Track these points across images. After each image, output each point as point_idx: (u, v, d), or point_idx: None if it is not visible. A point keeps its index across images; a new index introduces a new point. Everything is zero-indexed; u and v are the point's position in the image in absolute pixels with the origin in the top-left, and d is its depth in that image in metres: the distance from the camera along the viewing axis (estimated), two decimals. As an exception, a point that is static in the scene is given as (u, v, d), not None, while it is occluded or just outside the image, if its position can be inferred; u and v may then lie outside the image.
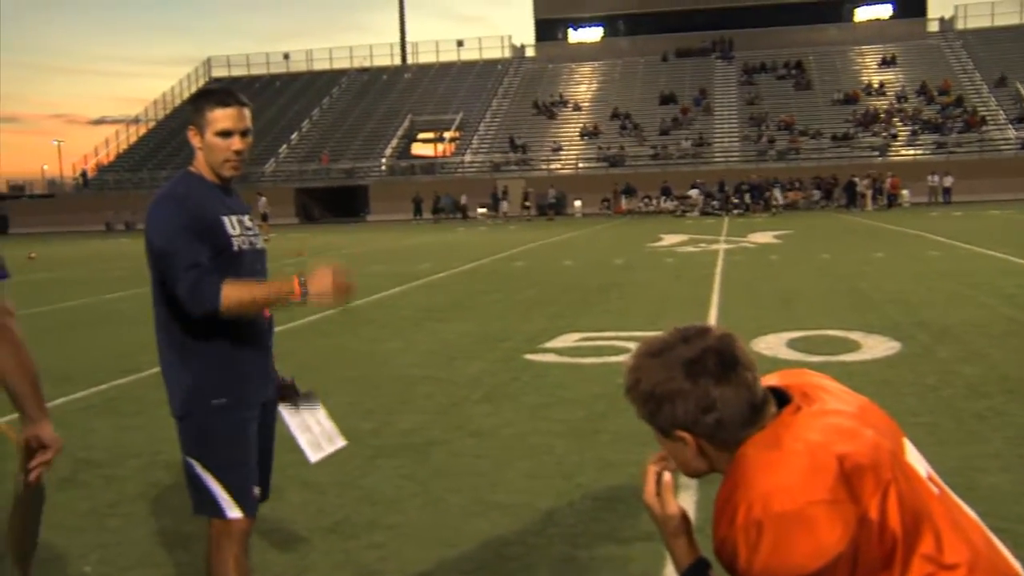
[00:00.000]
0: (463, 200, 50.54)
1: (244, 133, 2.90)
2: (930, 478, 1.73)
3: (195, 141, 2.93)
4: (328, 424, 3.24)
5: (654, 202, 46.47)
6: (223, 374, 2.87)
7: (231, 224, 2.90)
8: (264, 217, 35.84)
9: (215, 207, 2.88)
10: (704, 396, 1.67)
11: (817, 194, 45.06)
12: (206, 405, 2.84)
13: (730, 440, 1.69)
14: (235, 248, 2.88)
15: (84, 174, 61.70)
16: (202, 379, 2.86)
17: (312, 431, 3.19)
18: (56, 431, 2.43)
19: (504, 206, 47.31)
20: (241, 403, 2.89)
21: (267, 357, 3.04)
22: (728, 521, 1.58)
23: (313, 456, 3.17)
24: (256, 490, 2.95)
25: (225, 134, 2.87)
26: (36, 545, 2.67)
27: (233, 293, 2.75)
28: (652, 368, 1.73)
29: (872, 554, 1.56)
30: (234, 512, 2.85)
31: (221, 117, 2.87)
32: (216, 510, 2.85)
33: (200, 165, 2.95)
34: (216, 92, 2.96)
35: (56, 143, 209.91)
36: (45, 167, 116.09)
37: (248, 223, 3.00)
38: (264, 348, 3.02)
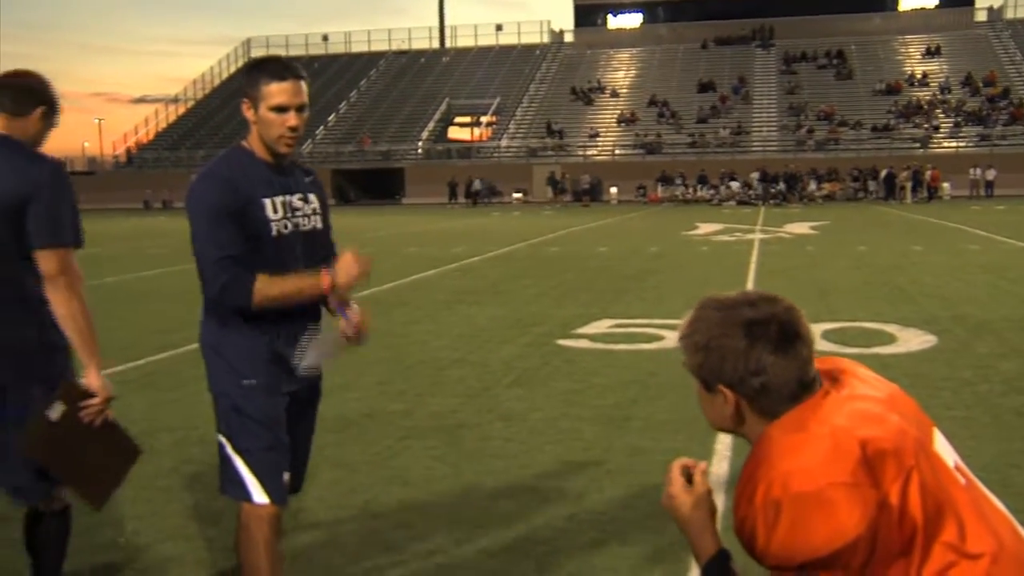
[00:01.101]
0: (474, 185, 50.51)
1: (300, 108, 2.79)
2: (957, 468, 1.72)
3: (248, 114, 2.82)
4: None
5: (690, 190, 46.22)
6: (256, 355, 2.82)
7: (273, 207, 2.80)
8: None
9: (257, 188, 2.78)
10: (757, 359, 1.68)
11: (853, 186, 44.58)
12: (237, 385, 2.80)
13: (769, 410, 1.70)
14: (273, 233, 2.79)
15: (128, 152, 62.29)
16: (236, 359, 2.82)
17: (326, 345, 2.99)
18: None
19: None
20: (271, 386, 2.84)
21: (298, 344, 2.94)
22: (748, 500, 1.59)
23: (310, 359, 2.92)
24: (286, 476, 2.87)
25: (280, 109, 2.76)
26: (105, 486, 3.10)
27: (263, 289, 2.72)
28: (712, 320, 1.74)
29: (891, 539, 1.56)
30: (261, 497, 2.79)
31: (276, 91, 2.76)
32: (243, 493, 2.80)
33: (253, 140, 2.86)
34: (272, 63, 2.82)
35: (97, 121, 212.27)
36: (86, 144, 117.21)
37: (298, 203, 2.89)
38: (297, 333, 2.92)
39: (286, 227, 2.84)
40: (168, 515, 4.32)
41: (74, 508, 3.18)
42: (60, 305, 2.90)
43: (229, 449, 2.81)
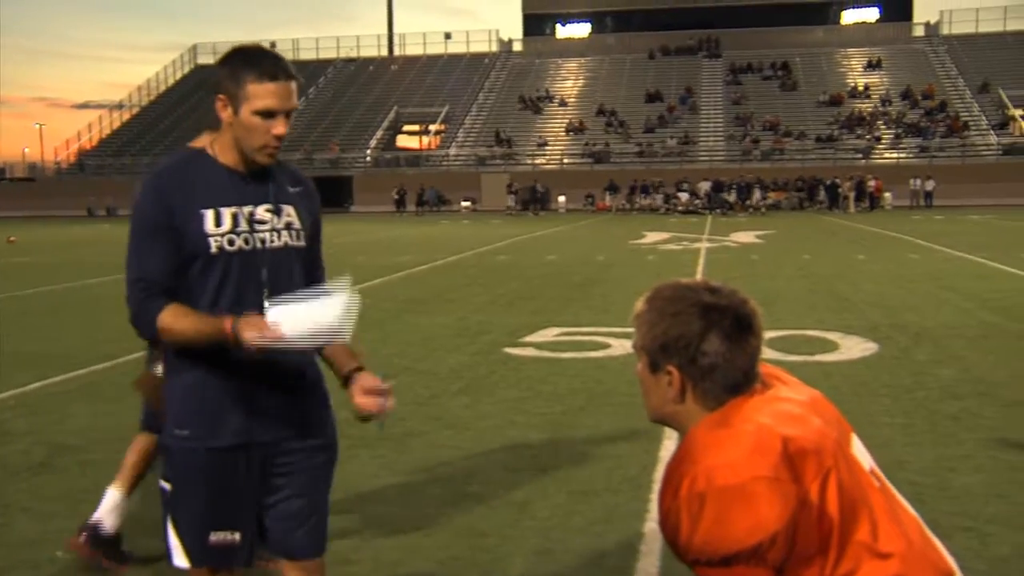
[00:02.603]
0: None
1: (289, 114, 2.36)
2: (872, 471, 1.78)
3: (224, 115, 2.35)
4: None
5: (638, 199, 46.54)
6: (190, 401, 2.39)
7: (216, 218, 2.34)
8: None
9: (200, 197, 2.34)
10: (708, 342, 1.71)
11: (798, 196, 45.26)
12: (170, 431, 2.42)
13: (712, 394, 1.73)
14: (212, 250, 2.32)
15: (80, 159, 61.10)
16: (174, 401, 2.43)
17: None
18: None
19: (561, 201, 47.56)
20: (205, 438, 2.37)
21: (276, 388, 2.43)
22: (673, 493, 1.62)
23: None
24: (222, 536, 2.41)
25: (268, 114, 2.31)
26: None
27: (170, 322, 2.31)
28: (670, 299, 1.77)
29: (810, 537, 1.60)
30: (180, 560, 2.44)
31: (266, 93, 2.30)
32: (167, 551, 2.47)
33: (218, 143, 2.42)
34: (262, 57, 2.34)
35: (38, 126, 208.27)
36: (27, 150, 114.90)
37: (264, 215, 2.40)
38: (271, 377, 2.41)
39: (232, 243, 2.34)
40: (109, 527, 4.24)
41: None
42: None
43: (167, 496, 2.46)
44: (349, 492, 4.64)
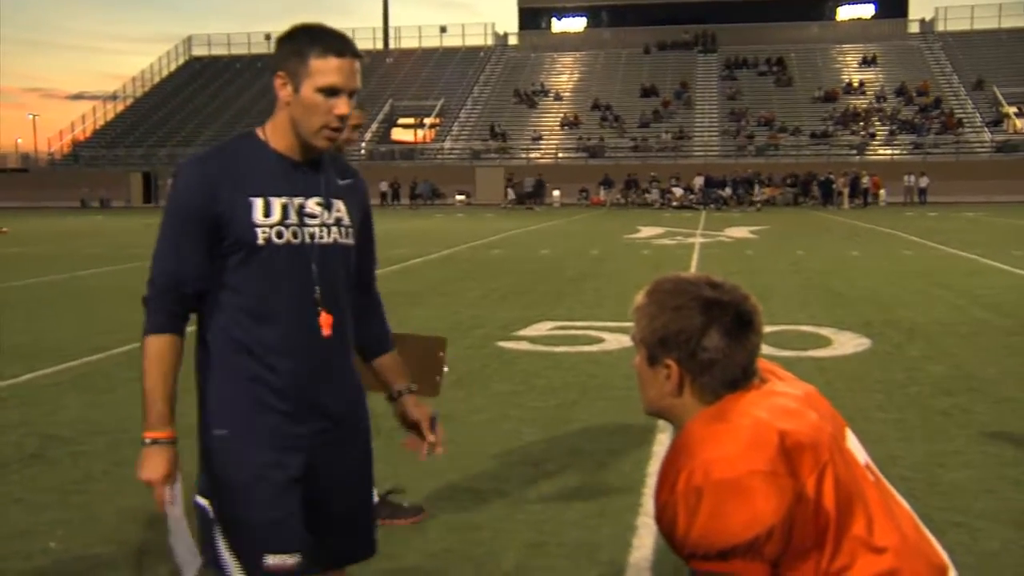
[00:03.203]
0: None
1: (353, 95, 2.21)
2: (867, 466, 1.79)
3: (282, 93, 2.21)
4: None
5: (632, 194, 46.62)
6: (233, 396, 2.20)
7: (266, 208, 2.18)
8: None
9: (254, 185, 2.19)
10: (708, 336, 1.71)
11: (792, 191, 45.34)
12: (208, 433, 2.23)
13: (709, 389, 1.73)
14: (259, 241, 2.16)
15: (74, 150, 60.91)
16: (212, 398, 2.23)
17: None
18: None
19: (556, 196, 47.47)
20: (250, 440, 2.19)
21: (322, 379, 2.27)
22: (670, 487, 1.62)
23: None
24: (273, 560, 2.17)
25: (331, 91, 2.16)
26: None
27: (150, 352, 2.16)
28: (671, 292, 1.77)
29: (806, 531, 1.60)
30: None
31: (330, 69, 2.16)
32: (223, 573, 2.20)
33: (274, 127, 2.27)
34: (326, 33, 2.21)
35: (32, 117, 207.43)
36: (19, 140, 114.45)
37: (315, 208, 2.25)
38: (318, 368, 2.25)
39: (280, 235, 2.19)
40: (101, 518, 4.24)
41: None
42: None
43: (210, 512, 2.22)
44: (342, 485, 4.64)
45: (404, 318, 10.05)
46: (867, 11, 64.95)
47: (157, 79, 67.67)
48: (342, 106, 2.18)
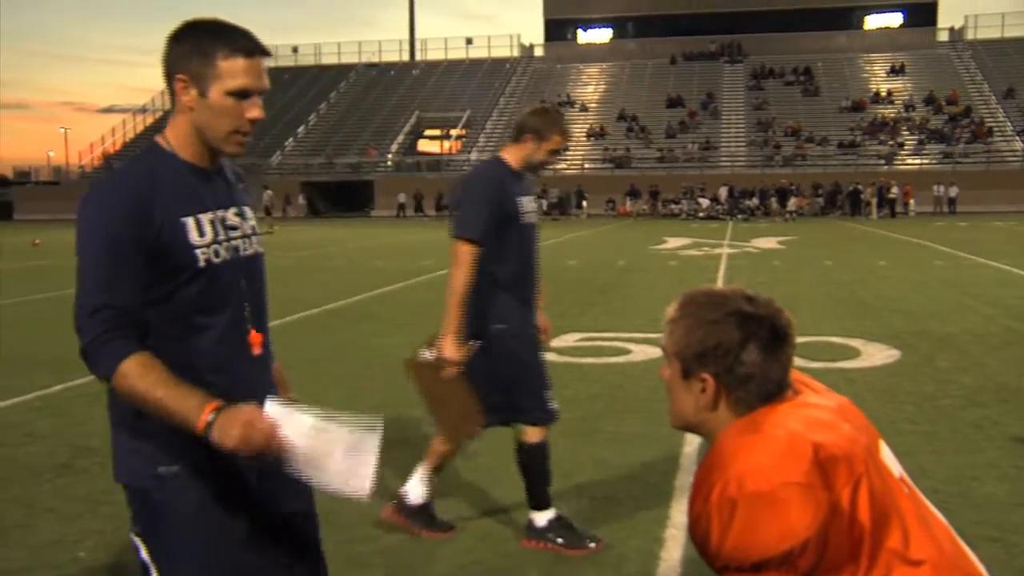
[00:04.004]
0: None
1: (262, 95, 2.08)
2: (902, 479, 1.76)
3: (185, 97, 2.03)
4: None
5: (658, 205, 46.56)
6: (174, 430, 1.98)
7: (198, 228, 2.05)
8: (267, 211, 35.89)
9: (180, 205, 2.03)
10: (747, 351, 1.70)
11: (819, 202, 45.09)
12: (150, 471, 2.06)
13: (744, 402, 1.72)
14: (200, 264, 2.03)
15: (105, 163, 61.52)
16: (152, 434, 2.04)
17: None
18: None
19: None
20: (197, 472, 2.06)
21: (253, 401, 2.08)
22: (703, 499, 1.61)
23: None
24: None
25: (243, 94, 2.02)
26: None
27: (133, 375, 1.92)
28: (707, 306, 1.75)
29: (841, 544, 1.59)
30: None
31: (241, 70, 2.01)
32: None
33: (178, 134, 2.08)
34: (231, 31, 2.05)
35: (63, 130, 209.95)
36: (51, 154, 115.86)
37: (234, 220, 2.15)
38: (252, 391, 2.11)
39: (217, 254, 2.07)
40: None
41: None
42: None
43: (144, 553, 2.11)
44: (369, 496, 4.64)
45: (435, 329, 10.03)
46: (895, 20, 64.48)
47: (186, 92, 68.27)
48: (255, 110, 2.05)
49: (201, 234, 2.05)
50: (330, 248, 24.69)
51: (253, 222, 2.22)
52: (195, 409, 1.90)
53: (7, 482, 4.93)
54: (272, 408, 1.95)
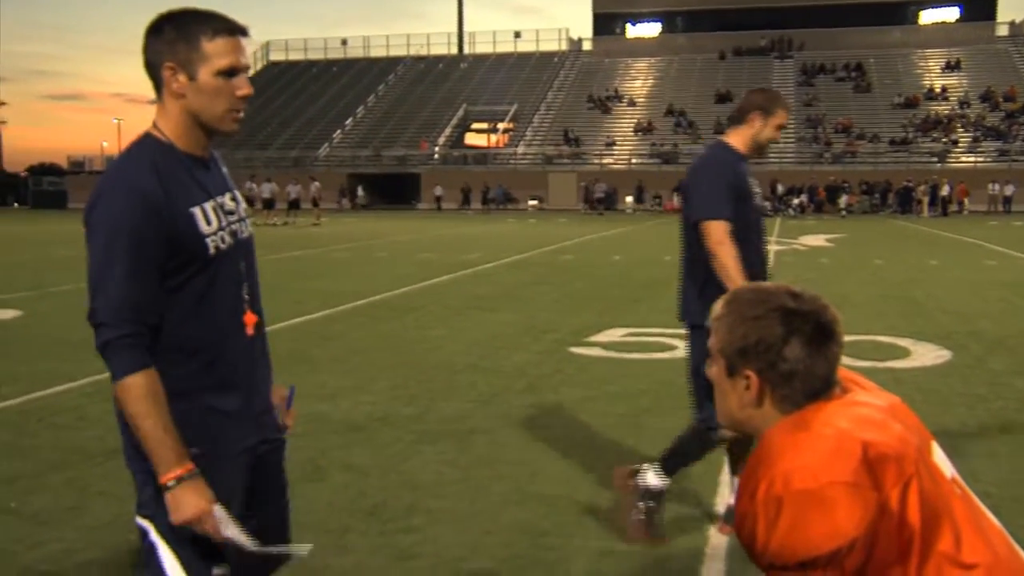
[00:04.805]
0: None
1: (247, 71, 2.16)
2: (954, 480, 1.73)
3: (175, 85, 2.08)
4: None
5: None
6: (194, 415, 2.11)
7: (205, 216, 2.11)
8: (315, 202, 36.16)
9: (186, 195, 2.09)
10: (789, 347, 1.68)
11: (867, 199, 44.51)
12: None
13: (790, 400, 1.70)
14: (211, 251, 2.11)
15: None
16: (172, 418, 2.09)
17: None
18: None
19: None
20: (225, 453, 2.17)
21: (258, 388, 2.30)
22: (749, 496, 1.60)
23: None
24: (217, 572, 2.19)
25: (231, 72, 2.09)
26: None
27: (135, 391, 2.00)
28: (751, 302, 1.74)
29: (889, 545, 1.56)
30: None
31: (226, 50, 2.08)
32: None
33: (172, 125, 2.12)
34: (209, 14, 2.11)
35: (116, 121, 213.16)
36: (105, 144, 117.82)
37: (230, 205, 2.21)
38: (255, 375, 2.27)
39: (224, 240, 2.14)
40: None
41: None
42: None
43: (153, 534, 2.14)
44: (411, 488, 4.67)
45: (479, 322, 10.11)
46: (952, 14, 63.35)
47: (237, 84, 69.01)
48: (245, 86, 2.13)
49: (208, 222, 2.11)
50: (377, 240, 24.84)
51: (242, 205, 2.28)
52: (169, 461, 2.01)
53: (61, 465, 5.04)
54: (219, 510, 2.08)
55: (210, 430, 2.13)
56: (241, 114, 2.16)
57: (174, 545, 2.12)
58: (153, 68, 2.09)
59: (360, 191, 53.29)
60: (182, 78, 2.06)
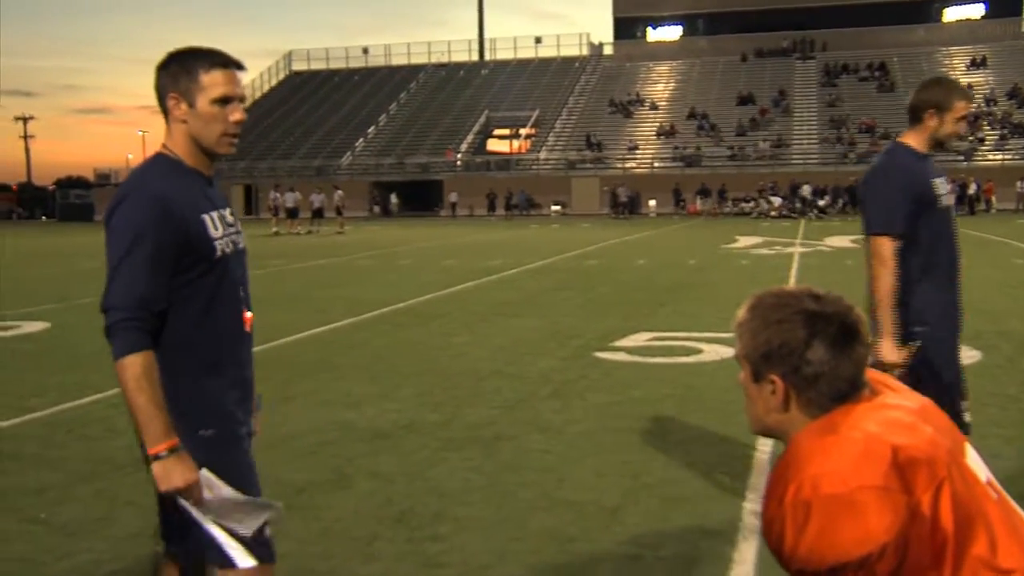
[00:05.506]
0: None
1: (242, 101, 2.47)
2: (989, 483, 1.70)
3: (177, 112, 2.40)
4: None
5: (729, 203, 46.08)
6: (206, 399, 2.42)
7: (213, 223, 2.42)
8: (338, 211, 36.28)
9: (197, 204, 2.40)
10: (813, 350, 1.66)
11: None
12: (192, 435, 2.37)
13: (817, 403, 1.68)
14: (218, 253, 2.41)
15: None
16: (187, 401, 2.38)
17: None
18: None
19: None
20: (230, 437, 2.47)
21: (251, 379, 2.60)
22: (777, 500, 1.58)
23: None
24: (268, 530, 2.45)
25: (225, 100, 2.39)
26: None
27: (134, 369, 2.25)
28: (773, 307, 1.72)
29: (922, 550, 1.54)
30: (246, 560, 2.37)
31: (221, 80, 2.39)
32: (223, 559, 2.36)
33: (181, 146, 2.44)
34: (206, 50, 2.44)
35: (141, 133, 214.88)
36: (130, 156, 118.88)
37: (230, 218, 2.52)
38: (250, 367, 2.59)
39: (228, 246, 2.45)
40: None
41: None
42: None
43: (194, 511, 2.36)
44: (438, 494, 4.67)
45: (503, 328, 10.10)
46: (976, 11, 62.76)
47: (259, 94, 69.48)
48: (237, 112, 2.43)
49: (215, 228, 2.42)
50: (401, 247, 24.90)
51: (237, 219, 2.58)
52: (160, 434, 2.26)
53: (91, 476, 5.07)
54: (206, 475, 2.33)
55: (221, 414, 2.42)
56: (236, 139, 2.46)
57: (216, 516, 2.35)
58: (161, 98, 2.42)
59: (393, 198, 53.57)
60: (184, 106, 2.39)
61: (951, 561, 1.55)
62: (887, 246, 3.68)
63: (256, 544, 2.40)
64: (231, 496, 2.36)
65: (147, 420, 2.25)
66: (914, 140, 3.87)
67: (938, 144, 3.86)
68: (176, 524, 2.41)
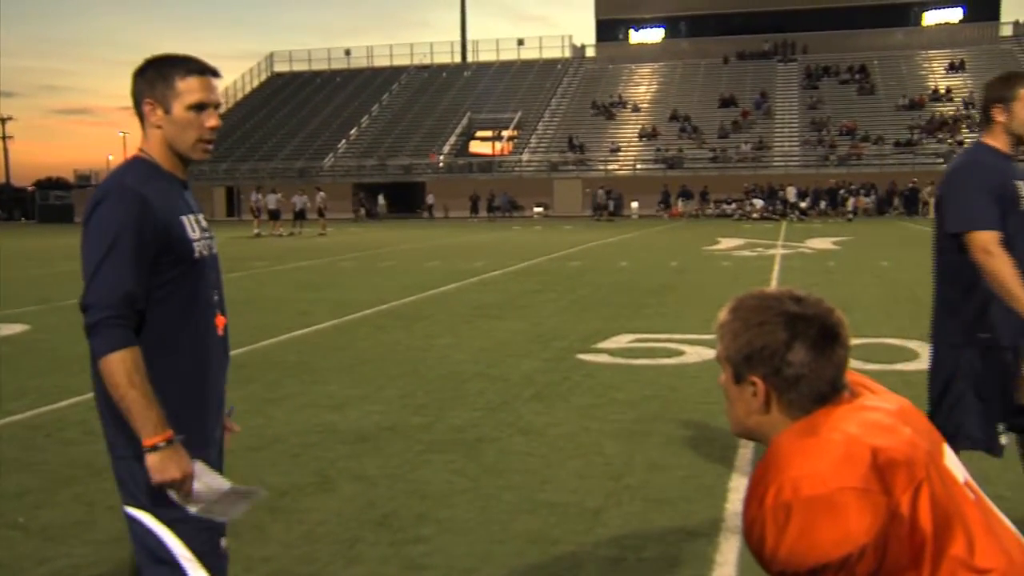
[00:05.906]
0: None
1: (217, 107, 2.47)
2: (967, 484, 1.71)
3: (153, 118, 2.41)
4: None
5: (711, 205, 46.26)
6: (179, 401, 2.38)
7: (190, 225, 2.43)
8: (320, 213, 36.18)
9: (175, 205, 2.41)
10: (794, 352, 1.67)
11: (869, 200, 44.46)
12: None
13: (797, 405, 1.69)
14: (196, 255, 2.42)
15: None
16: (160, 404, 2.33)
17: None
18: None
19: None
20: (203, 440, 2.44)
21: (221, 383, 2.59)
22: (758, 502, 1.58)
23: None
24: (224, 542, 2.46)
25: (200, 107, 2.40)
26: None
27: (122, 365, 2.26)
28: (755, 308, 1.73)
29: (901, 551, 1.55)
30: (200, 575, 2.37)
31: (196, 87, 2.40)
32: (178, 574, 2.35)
33: (153, 150, 2.45)
34: (183, 58, 2.45)
35: (122, 135, 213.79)
36: (110, 157, 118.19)
37: (204, 223, 2.53)
38: (222, 372, 2.58)
39: (205, 248, 2.48)
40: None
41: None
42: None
43: (150, 522, 2.35)
44: (420, 497, 4.66)
45: (486, 330, 10.10)
46: (955, 15, 63.26)
47: (240, 95, 69.25)
48: (213, 119, 2.43)
49: (192, 231, 2.44)
50: (383, 249, 24.85)
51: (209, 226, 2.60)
52: (155, 427, 2.26)
53: (70, 480, 5.04)
54: (199, 466, 2.35)
55: (192, 417, 2.41)
56: (211, 145, 2.46)
57: (175, 528, 2.35)
58: (137, 103, 2.43)
59: (381, 199, 53.48)
60: (159, 112, 2.40)
61: (929, 561, 1.56)
62: (989, 237, 3.45)
63: (212, 558, 2.41)
64: (220, 486, 2.39)
65: (142, 413, 2.25)
66: (992, 139, 3.68)
67: (1019, 140, 3.65)
68: None
